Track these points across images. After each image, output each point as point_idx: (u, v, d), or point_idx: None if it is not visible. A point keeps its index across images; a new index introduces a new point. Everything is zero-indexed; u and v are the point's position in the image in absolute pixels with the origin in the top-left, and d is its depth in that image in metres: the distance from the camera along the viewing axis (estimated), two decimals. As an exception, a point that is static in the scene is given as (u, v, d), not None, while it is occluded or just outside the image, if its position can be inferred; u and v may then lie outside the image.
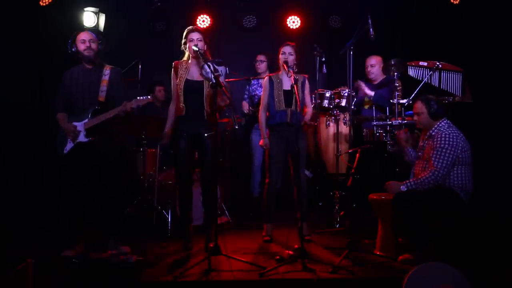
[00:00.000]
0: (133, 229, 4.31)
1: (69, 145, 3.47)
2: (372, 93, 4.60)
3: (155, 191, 4.49)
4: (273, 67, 4.47)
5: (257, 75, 5.20)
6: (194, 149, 3.75)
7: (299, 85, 3.98)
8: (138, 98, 3.44)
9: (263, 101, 4.04)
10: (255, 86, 5.16)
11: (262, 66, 5.18)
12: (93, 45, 3.51)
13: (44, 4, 5.04)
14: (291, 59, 3.92)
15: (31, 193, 4.88)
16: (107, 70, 3.55)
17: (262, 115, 4.04)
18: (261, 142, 4.02)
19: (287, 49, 3.95)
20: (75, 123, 3.47)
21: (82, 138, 3.45)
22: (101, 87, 3.50)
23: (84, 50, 3.48)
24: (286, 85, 3.98)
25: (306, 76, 4.08)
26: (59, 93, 3.56)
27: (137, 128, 4.54)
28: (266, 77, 4.10)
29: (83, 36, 3.51)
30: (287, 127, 3.93)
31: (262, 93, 4.10)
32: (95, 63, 3.54)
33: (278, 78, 4.03)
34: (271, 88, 4.01)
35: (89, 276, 3.01)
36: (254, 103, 5.14)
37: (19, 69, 4.89)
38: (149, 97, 3.45)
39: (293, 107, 3.92)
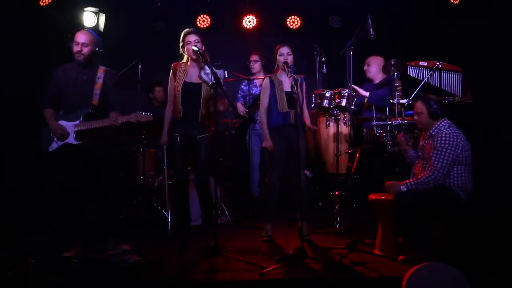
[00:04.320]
0: (133, 229, 4.32)
1: (55, 144, 3.41)
2: (366, 94, 4.61)
3: (163, 191, 4.47)
4: (268, 66, 4.46)
5: (251, 74, 5.20)
6: (188, 151, 3.73)
7: (298, 85, 3.97)
8: (138, 113, 3.38)
9: (264, 103, 4.00)
10: (250, 85, 5.16)
11: (256, 66, 5.20)
12: (85, 50, 3.41)
13: (44, 4, 5.05)
14: (290, 59, 3.91)
15: (31, 193, 4.88)
16: (101, 73, 3.48)
17: (264, 117, 3.98)
18: (264, 144, 3.96)
19: (286, 50, 3.93)
20: (64, 122, 3.42)
21: (71, 140, 3.40)
22: (94, 90, 3.44)
23: (75, 53, 3.42)
24: (287, 86, 3.97)
25: (303, 76, 4.08)
26: (48, 88, 3.51)
27: (137, 128, 4.53)
28: (266, 78, 4.06)
29: (78, 37, 3.42)
30: (289, 127, 3.92)
31: (261, 94, 4.05)
32: (86, 66, 3.48)
33: (278, 79, 4.00)
34: (272, 89, 3.98)
35: (89, 276, 3.01)
36: (248, 102, 5.15)
37: (19, 68, 4.89)
38: (149, 114, 3.40)
39: (295, 108, 3.91)
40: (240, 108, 5.24)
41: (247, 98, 5.21)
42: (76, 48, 3.42)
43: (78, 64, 3.46)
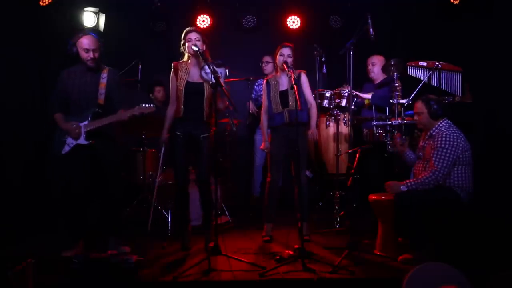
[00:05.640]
0: (133, 229, 4.31)
1: (67, 147, 3.44)
2: (368, 96, 4.61)
3: (155, 191, 4.46)
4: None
5: (262, 75, 5.21)
6: (191, 150, 3.74)
7: (299, 83, 3.98)
8: (141, 105, 3.40)
9: (263, 104, 4.11)
10: (261, 86, 5.17)
11: (268, 67, 5.21)
12: (96, 54, 3.45)
13: (44, 4, 5.04)
14: (289, 61, 3.92)
15: (31, 193, 4.88)
16: (104, 73, 3.51)
17: (264, 118, 4.09)
18: (262, 146, 4.07)
19: (286, 51, 3.95)
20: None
21: (82, 140, 3.43)
22: (99, 90, 3.47)
23: (88, 60, 3.43)
24: (283, 86, 4.00)
25: (303, 71, 4.07)
26: (55, 92, 3.54)
27: (137, 128, 4.54)
28: (264, 81, 4.14)
29: (86, 44, 3.42)
30: (287, 127, 3.94)
31: (262, 96, 4.14)
32: (95, 69, 3.51)
33: (275, 80, 4.06)
34: (268, 90, 4.06)
35: (89, 276, 3.01)
36: (259, 103, 5.16)
37: (19, 68, 4.89)
38: (152, 105, 3.43)
39: (290, 106, 3.93)
40: (251, 106, 5.29)
41: (259, 98, 5.21)
42: (87, 55, 3.43)
43: (87, 68, 3.48)
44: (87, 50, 3.42)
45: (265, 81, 4.13)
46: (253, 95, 5.40)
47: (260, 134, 5.13)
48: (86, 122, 3.44)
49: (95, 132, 3.44)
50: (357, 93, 4.64)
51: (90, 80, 3.49)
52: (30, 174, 4.96)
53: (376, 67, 4.73)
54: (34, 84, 5.05)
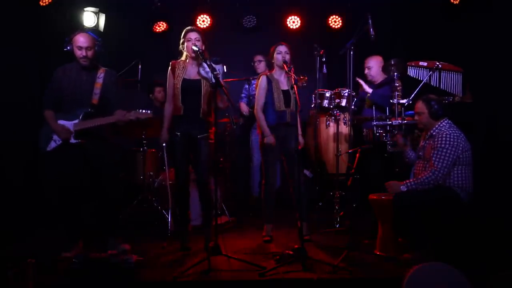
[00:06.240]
0: (133, 229, 4.31)
1: (53, 143, 3.41)
2: (370, 90, 4.60)
3: (163, 191, 4.46)
4: (271, 66, 4.47)
5: (256, 75, 5.20)
6: (190, 150, 3.73)
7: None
8: (138, 111, 3.38)
9: (260, 100, 3.94)
10: (254, 86, 5.17)
11: (261, 66, 5.20)
12: (90, 53, 3.40)
13: (44, 4, 5.04)
14: (288, 58, 3.90)
15: (31, 193, 4.88)
16: (101, 74, 3.48)
17: (260, 114, 3.93)
18: (266, 140, 3.86)
19: (283, 48, 3.91)
20: (63, 122, 3.41)
21: (70, 139, 3.40)
22: (94, 89, 3.44)
23: (80, 58, 3.40)
24: (283, 85, 3.97)
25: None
26: (48, 88, 3.49)
27: (137, 128, 4.53)
28: (262, 76, 4.01)
29: (80, 41, 3.38)
30: (285, 127, 3.92)
31: (257, 92, 3.99)
32: (90, 68, 3.49)
33: (274, 78, 4.00)
34: (269, 87, 3.95)
35: (89, 276, 3.01)
36: (253, 103, 5.15)
37: (18, 69, 4.89)
38: (149, 111, 3.40)
39: (291, 107, 3.92)
40: (244, 108, 5.26)
41: (251, 98, 5.20)
42: (81, 53, 3.40)
43: (81, 66, 3.46)
44: (80, 48, 3.39)
45: (264, 77, 3.98)
46: (243, 95, 5.35)
47: (255, 134, 5.10)
48: (76, 121, 3.40)
49: (86, 132, 3.40)
50: (362, 83, 4.61)
51: (86, 79, 3.47)
52: (30, 174, 4.96)
53: (372, 70, 4.67)
54: (34, 84, 5.04)
